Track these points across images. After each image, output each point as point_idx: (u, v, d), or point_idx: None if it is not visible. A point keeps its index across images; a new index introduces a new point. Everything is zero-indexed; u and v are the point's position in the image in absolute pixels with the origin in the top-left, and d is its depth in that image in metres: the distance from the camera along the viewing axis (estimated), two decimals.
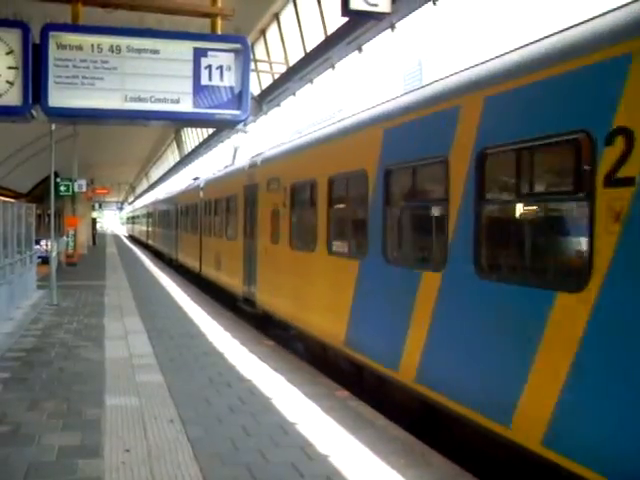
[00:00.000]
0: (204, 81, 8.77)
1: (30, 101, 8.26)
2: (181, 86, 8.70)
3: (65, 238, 34.41)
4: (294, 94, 16.96)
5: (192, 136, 34.51)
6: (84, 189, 31.69)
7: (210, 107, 8.78)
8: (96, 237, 67.51)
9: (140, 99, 8.59)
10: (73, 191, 30.64)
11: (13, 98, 8.25)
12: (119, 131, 32.28)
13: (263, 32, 17.08)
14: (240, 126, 16.60)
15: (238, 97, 8.85)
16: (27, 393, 9.41)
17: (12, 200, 31.31)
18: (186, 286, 26.01)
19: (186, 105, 8.69)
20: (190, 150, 35.87)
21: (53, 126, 19.75)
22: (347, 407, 9.26)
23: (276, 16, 15.92)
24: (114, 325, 15.71)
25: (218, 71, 8.84)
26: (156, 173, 60.35)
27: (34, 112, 8.55)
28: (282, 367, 11.55)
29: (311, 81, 15.46)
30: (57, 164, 31.35)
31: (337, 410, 9.03)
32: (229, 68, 8.87)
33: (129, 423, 8.14)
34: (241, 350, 13.07)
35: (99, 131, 31.22)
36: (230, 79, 8.86)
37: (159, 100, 8.65)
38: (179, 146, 39.01)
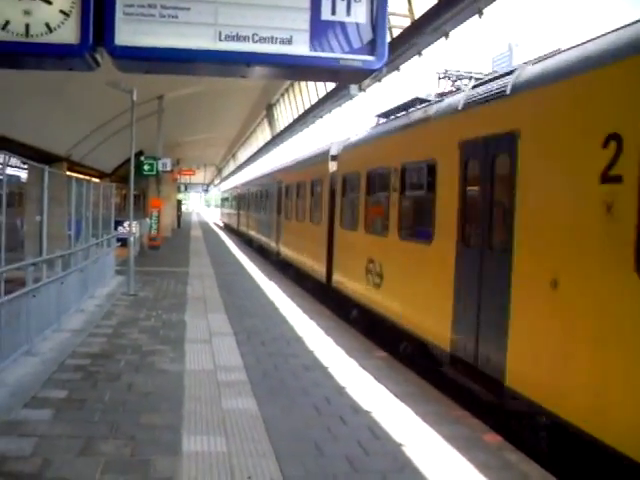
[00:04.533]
0: (325, 15, 6.34)
1: (91, 39, 5.96)
2: (294, 21, 6.28)
3: (148, 220, 32.72)
4: (420, 53, 14.23)
5: (285, 113, 32.30)
6: (168, 168, 29.78)
7: (334, 50, 6.37)
8: (181, 219, 66.26)
9: (238, 37, 6.23)
10: (157, 170, 28.76)
11: (69, 34, 5.97)
12: (207, 107, 30.47)
13: None
14: (352, 89, 14.17)
15: (371, 38, 6.42)
16: (82, 426, 7.17)
17: (95, 179, 29.80)
18: (275, 275, 23.87)
19: (301, 47, 6.27)
20: (283, 128, 33.63)
21: (135, 95, 17.69)
22: (506, 463, 6.76)
23: None
24: (197, 323, 13.57)
25: (344, 2, 6.37)
26: (244, 154, 58.53)
27: (97, 56, 6.31)
28: (405, 392, 9.10)
29: (446, 34, 12.77)
30: (143, 143, 29.75)
31: (493, 469, 6.57)
32: None
33: None
34: (349, 363, 10.70)
35: (187, 107, 29.47)
36: (360, 13, 6.39)
37: (264, 39, 6.26)
38: (270, 124, 36.85)
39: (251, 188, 40.94)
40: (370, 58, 6.39)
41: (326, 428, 7.51)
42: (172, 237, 44.17)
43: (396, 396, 8.88)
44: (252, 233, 39.35)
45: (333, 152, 17.70)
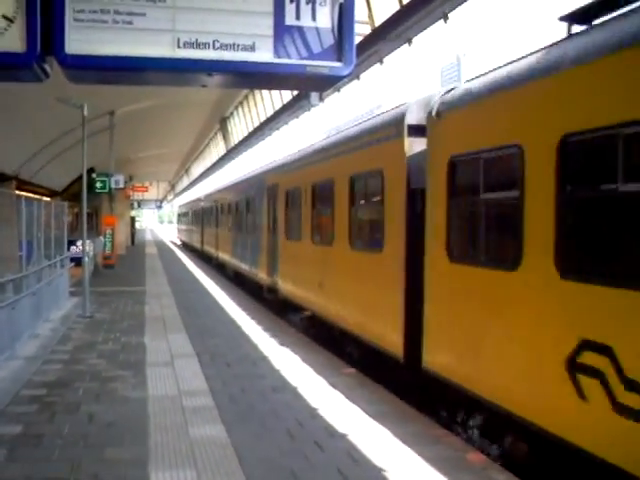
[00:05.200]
0: (290, 20, 6.03)
1: (38, 47, 5.55)
2: (257, 26, 5.96)
3: (102, 239, 32.01)
4: (381, 61, 13.87)
5: (240, 126, 31.81)
6: (121, 185, 29.13)
7: (299, 56, 6.04)
8: (135, 237, 65.28)
9: (198, 44, 5.87)
10: (110, 188, 28.14)
11: (14, 42, 5.54)
12: (160, 122, 29.97)
13: None
14: (313, 99, 13.82)
15: (338, 43, 6.10)
16: (40, 466, 6.63)
17: (46, 198, 29.01)
18: (234, 291, 23.38)
19: (265, 53, 5.95)
20: (238, 141, 33.06)
21: (85, 111, 17.14)
22: None
23: None
24: (157, 345, 13.06)
25: (309, 6, 6.08)
26: (198, 170, 57.85)
27: (46, 66, 5.88)
28: (380, 411, 8.72)
29: (409, 40, 12.42)
30: (94, 159, 29.04)
31: None
32: (324, 2, 6.12)
33: None
34: (318, 382, 10.31)
35: (138, 123, 28.93)
36: (326, 18, 6.12)
37: (225, 46, 5.91)
38: (225, 137, 36.34)
39: (221, 199, 32.71)
40: (337, 64, 6.07)
41: (302, 455, 7.10)
42: (127, 255, 43.35)
43: (371, 416, 8.50)
44: (224, 257, 30.99)
45: (413, 119, 10.07)
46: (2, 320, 11.24)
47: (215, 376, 10.58)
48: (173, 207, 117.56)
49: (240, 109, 30.86)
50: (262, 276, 21.00)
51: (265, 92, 25.66)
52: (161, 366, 11.25)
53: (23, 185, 27.54)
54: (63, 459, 6.82)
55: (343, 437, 7.72)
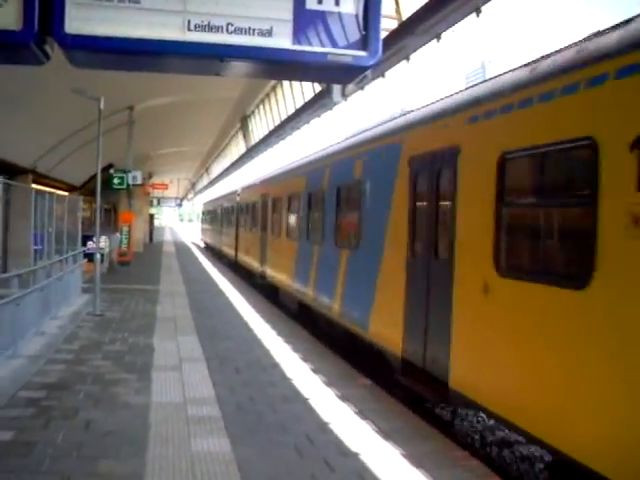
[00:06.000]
0: (311, 4, 5.54)
1: (36, 25, 5.10)
2: (276, 10, 5.47)
3: (118, 235, 31.62)
4: (407, 58, 13.24)
5: (261, 124, 31.32)
6: (139, 181, 28.59)
7: (320, 44, 5.54)
8: (153, 234, 64.98)
9: (211, 27, 5.40)
10: (127, 184, 27.67)
11: (9, 19, 5.10)
12: (180, 119, 29.61)
13: None
14: (335, 95, 13.16)
15: (363, 30, 5.60)
16: (26, 477, 6.12)
17: (64, 193, 28.70)
18: (250, 294, 22.91)
19: (283, 39, 5.46)
20: (258, 140, 32.55)
21: (102, 104, 16.72)
22: None
23: None
24: (166, 347, 12.59)
25: None
26: (218, 168, 57.45)
27: (47, 48, 5.42)
28: (395, 428, 8.18)
29: (438, 36, 11.82)
30: (113, 155, 28.64)
31: None
32: None
33: None
34: (331, 393, 9.77)
35: (158, 120, 28.56)
36: (351, 3, 5.63)
37: (240, 30, 5.43)
38: (245, 136, 35.87)
39: (273, 191, 22.39)
40: (362, 54, 5.56)
41: (310, 475, 6.59)
42: (144, 252, 43.03)
43: (385, 433, 7.96)
44: (277, 277, 20.75)
45: None
46: (5, 316, 10.79)
47: (223, 383, 10.09)
48: (194, 205, 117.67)
49: (261, 107, 30.40)
50: (384, 334, 10.95)
51: (287, 90, 25.15)
52: (168, 370, 10.78)
53: (40, 179, 27.22)
54: (52, 472, 6.30)
55: (355, 456, 7.19)
